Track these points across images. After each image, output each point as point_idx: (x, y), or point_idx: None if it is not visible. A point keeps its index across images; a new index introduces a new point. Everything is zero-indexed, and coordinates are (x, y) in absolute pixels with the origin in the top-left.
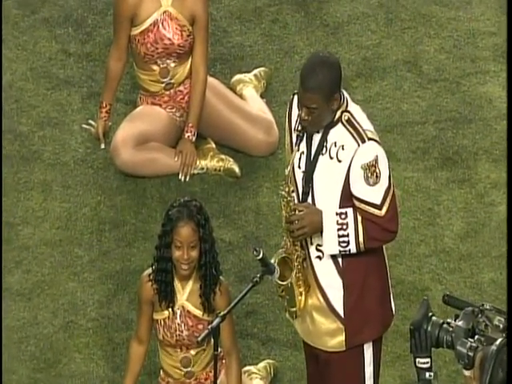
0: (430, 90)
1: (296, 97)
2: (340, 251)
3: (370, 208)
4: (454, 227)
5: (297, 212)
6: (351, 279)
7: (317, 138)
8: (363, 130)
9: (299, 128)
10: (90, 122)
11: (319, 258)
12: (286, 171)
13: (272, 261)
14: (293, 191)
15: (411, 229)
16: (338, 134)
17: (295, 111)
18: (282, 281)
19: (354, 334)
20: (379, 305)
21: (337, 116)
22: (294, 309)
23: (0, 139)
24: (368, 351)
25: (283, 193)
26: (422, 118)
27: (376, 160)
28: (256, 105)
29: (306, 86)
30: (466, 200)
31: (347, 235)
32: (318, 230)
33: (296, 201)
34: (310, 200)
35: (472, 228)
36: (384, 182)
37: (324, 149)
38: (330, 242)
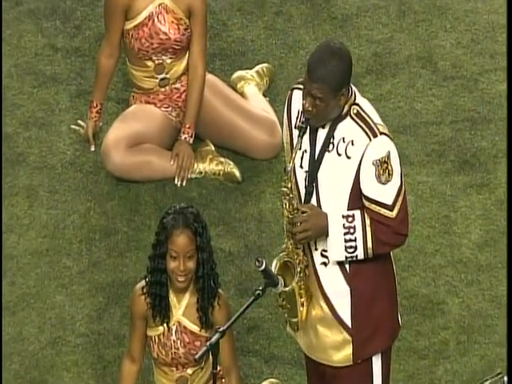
0: (446, 88)
1: (295, 92)
2: (346, 257)
3: (380, 209)
4: (472, 236)
5: (300, 213)
6: (359, 285)
7: (322, 133)
8: (374, 124)
9: (302, 121)
10: (79, 122)
11: (324, 264)
12: (289, 166)
13: (273, 264)
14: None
15: (426, 238)
16: (347, 129)
17: (295, 107)
18: (283, 287)
19: (362, 346)
20: (388, 312)
21: (345, 110)
22: (296, 319)
23: (0, 142)
24: (377, 364)
25: (285, 189)
26: (437, 118)
27: (388, 156)
28: (258, 104)
29: (314, 77)
30: (484, 206)
31: (354, 239)
32: (323, 234)
33: (296, 197)
34: (314, 201)
35: (491, 236)
36: (396, 181)
37: (331, 145)
38: (335, 247)
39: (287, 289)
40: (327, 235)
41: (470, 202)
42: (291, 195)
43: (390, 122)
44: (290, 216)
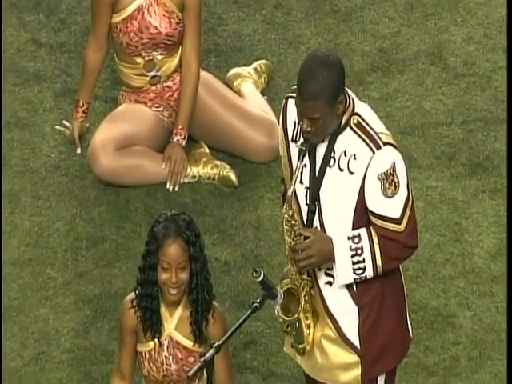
0: (457, 86)
1: (290, 101)
2: (355, 279)
3: (388, 224)
4: (485, 244)
5: (302, 239)
6: (367, 303)
7: (322, 148)
8: (376, 134)
9: (301, 138)
10: (65, 122)
11: (329, 283)
12: (289, 192)
13: None
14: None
15: (435, 246)
16: (348, 142)
17: (291, 118)
18: (287, 316)
19: (371, 366)
20: (398, 328)
21: (344, 120)
22: (303, 345)
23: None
24: (381, 381)
25: (286, 216)
26: (447, 119)
27: (394, 168)
28: (256, 103)
29: (306, 95)
30: (498, 213)
31: (363, 261)
32: (328, 260)
33: (299, 223)
34: (316, 220)
35: (505, 245)
36: (403, 192)
37: (332, 160)
38: (343, 272)
39: (292, 318)
40: (333, 260)
41: (483, 208)
42: (293, 222)
43: (396, 122)
44: (292, 242)
